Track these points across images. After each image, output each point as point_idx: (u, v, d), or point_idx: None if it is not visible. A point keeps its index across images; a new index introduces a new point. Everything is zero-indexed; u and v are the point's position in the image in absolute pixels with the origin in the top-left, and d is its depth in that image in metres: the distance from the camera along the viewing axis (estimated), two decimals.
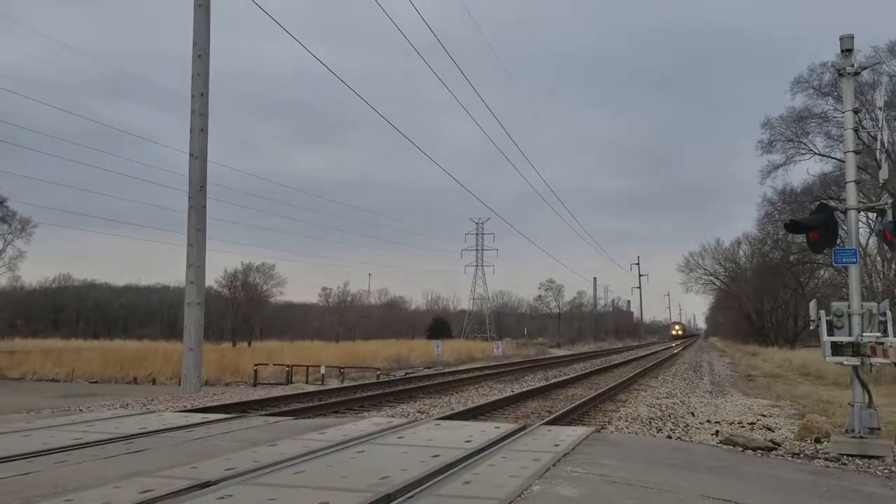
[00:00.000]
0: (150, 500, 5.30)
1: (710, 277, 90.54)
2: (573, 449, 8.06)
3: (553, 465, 6.97)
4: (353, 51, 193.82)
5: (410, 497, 5.53)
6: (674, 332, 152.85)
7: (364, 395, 18.18)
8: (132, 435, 8.81)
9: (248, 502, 5.33)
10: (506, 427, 9.90)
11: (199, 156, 19.49)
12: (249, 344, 67.61)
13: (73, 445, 7.90)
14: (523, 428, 9.84)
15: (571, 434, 9.32)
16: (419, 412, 14.90)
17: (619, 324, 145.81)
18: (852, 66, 10.44)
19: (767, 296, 68.14)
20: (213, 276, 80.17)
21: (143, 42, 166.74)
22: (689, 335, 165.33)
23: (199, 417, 10.95)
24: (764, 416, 14.77)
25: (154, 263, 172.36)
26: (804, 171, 59.77)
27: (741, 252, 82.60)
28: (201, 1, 19.74)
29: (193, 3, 19.76)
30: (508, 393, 19.08)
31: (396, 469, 6.55)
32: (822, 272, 55.63)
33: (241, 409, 14.16)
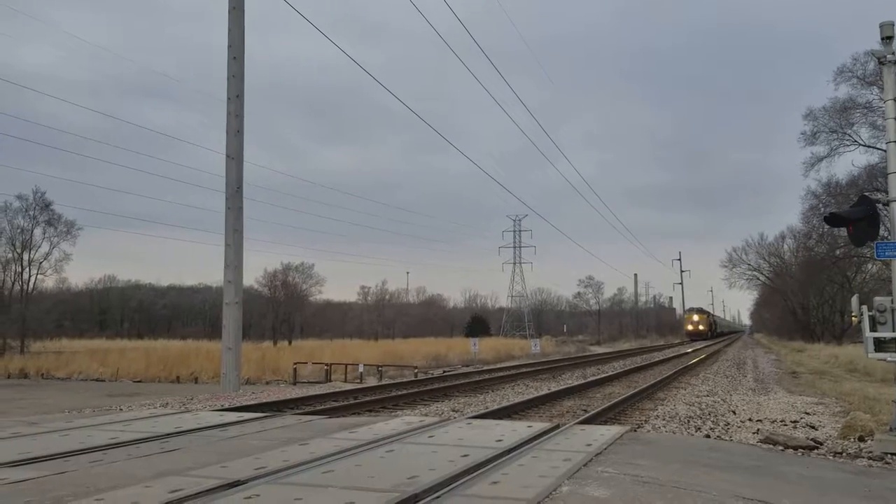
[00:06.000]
0: (179, 499, 5.34)
1: (754, 272, 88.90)
2: (606, 449, 7.94)
3: (584, 466, 6.87)
4: (377, 48, 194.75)
5: (437, 497, 5.48)
6: (690, 328, 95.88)
7: (400, 393, 18.21)
8: (167, 434, 8.93)
9: (275, 502, 5.34)
10: (538, 426, 9.81)
11: (235, 157, 19.70)
12: (290, 343, 68.39)
13: (109, 445, 8.03)
14: (556, 427, 9.74)
15: (605, 433, 9.19)
16: (453, 411, 14.87)
17: (660, 320, 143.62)
18: (893, 53, 10.15)
19: (813, 291, 66.73)
20: (254, 276, 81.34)
21: (178, 45, 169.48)
22: (724, 332, 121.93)
23: (234, 416, 11.05)
24: (808, 413, 14.43)
25: (196, 264, 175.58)
26: (849, 162, 58.45)
27: (786, 246, 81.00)
28: (235, 3, 19.95)
29: (228, 6, 19.98)
30: (544, 391, 18.93)
31: (424, 469, 6.51)
32: (869, 266, 54.28)
33: (276, 407, 14.27)
